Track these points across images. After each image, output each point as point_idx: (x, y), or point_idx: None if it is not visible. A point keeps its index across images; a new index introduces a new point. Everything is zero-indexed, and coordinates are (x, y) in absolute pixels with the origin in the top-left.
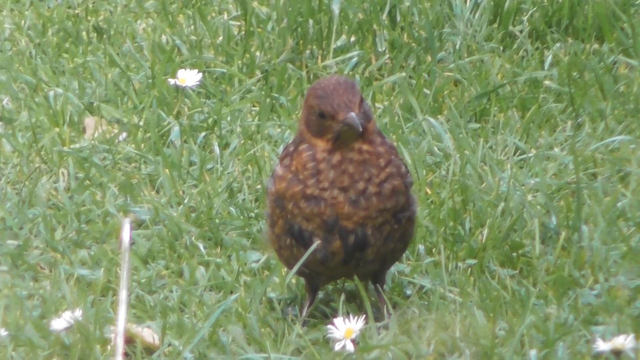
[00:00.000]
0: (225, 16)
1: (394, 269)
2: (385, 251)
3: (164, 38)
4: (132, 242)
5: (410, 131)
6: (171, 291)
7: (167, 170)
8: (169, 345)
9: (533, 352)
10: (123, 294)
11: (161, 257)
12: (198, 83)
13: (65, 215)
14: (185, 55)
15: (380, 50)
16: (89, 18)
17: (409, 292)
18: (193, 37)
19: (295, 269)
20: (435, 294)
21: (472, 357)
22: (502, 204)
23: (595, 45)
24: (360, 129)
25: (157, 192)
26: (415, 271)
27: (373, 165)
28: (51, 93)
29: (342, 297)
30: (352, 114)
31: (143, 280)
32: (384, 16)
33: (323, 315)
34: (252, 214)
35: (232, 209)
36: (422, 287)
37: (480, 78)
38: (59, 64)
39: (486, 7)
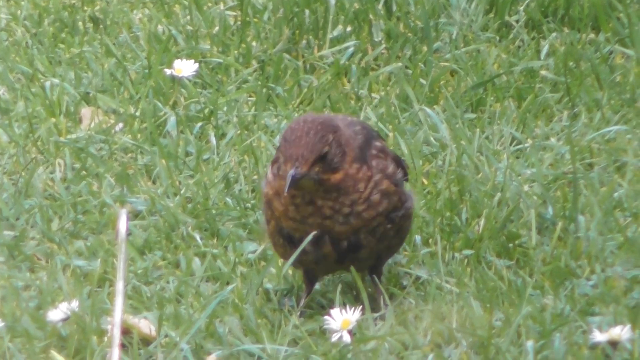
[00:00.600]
0: (222, 6)
1: (390, 260)
2: (380, 249)
3: (160, 28)
4: (129, 233)
5: (407, 121)
6: (168, 282)
7: (163, 161)
8: (166, 336)
9: (529, 343)
10: (119, 285)
11: (158, 247)
12: (194, 73)
13: (61, 205)
14: (182, 46)
15: (376, 40)
16: (85, 8)
17: (405, 282)
18: (189, 27)
19: (289, 262)
20: (432, 285)
21: (468, 347)
22: (499, 194)
23: (592, 35)
24: (286, 193)
25: (154, 182)
26: (412, 262)
27: (352, 192)
28: (47, 83)
29: (339, 288)
30: (291, 172)
31: (139, 271)
32: (380, 6)
33: (320, 306)
34: (249, 205)
35: (228, 199)
36: (418, 277)
37: (477, 68)
38: (55, 54)
39: None
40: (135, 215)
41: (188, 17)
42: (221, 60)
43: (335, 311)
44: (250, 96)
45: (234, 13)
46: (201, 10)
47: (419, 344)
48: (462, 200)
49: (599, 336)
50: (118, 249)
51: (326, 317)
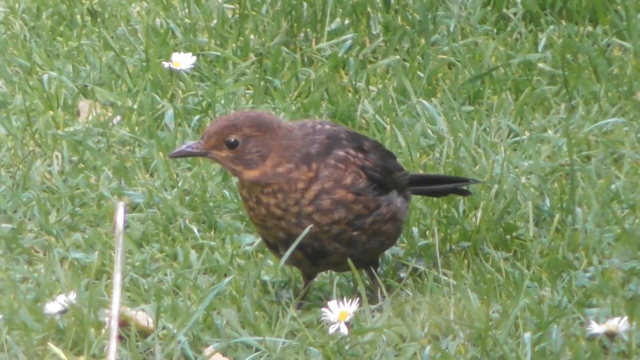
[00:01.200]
0: None
1: (388, 252)
2: (357, 252)
3: (158, 21)
4: (126, 226)
5: (404, 114)
6: (165, 274)
7: (161, 154)
8: (163, 328)
9: (527, 335)
10: (117, 277)
11: (155, 240)
12: (192, 66)
13: (59, 198)
14: (180, 39)
15: (374, 33)
16: (83, 1)
17: (402, 274)
18: (187, 20)
19: (284, 258)
20: (429, 277)
21: (466, 339)
22: (496, 186)
23: (589, 28)
24: (171, 156)
25: (151, 175)
26: (409, 254)
27: (292, 191)
28: (45, 76)
29: (336, 280)
30: (188, 144)
31: (137, 264)
32: None
33: (317, 299)
34: None
35: (226, 192)
36: (415, 269)
37: (474, 61)
38: (53, 47)
39: None
40: (132, 207)
41: (186, 10)
42: (219, 53)
43: (332, 303)
44: (248, 89)
45: (232, 6)
46: (199, 3)
47: (417, 336)
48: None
49: (596, 328)
50: (116, 241)
51: (323, 309)
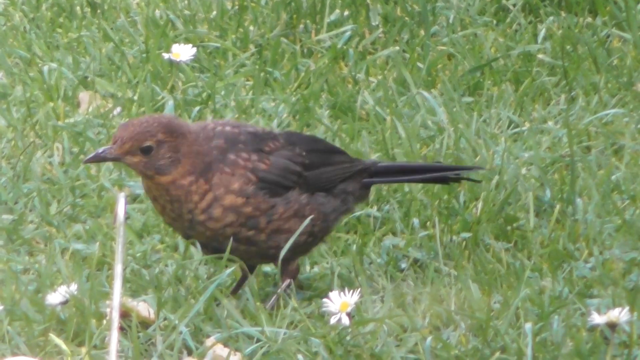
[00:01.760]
0: None
1: (388, 242)
2: (259, 249)
3: (157, 12)
4: (127, 216)
5: (404, 105)
6: (166, 265)
7: None
8: (165, 319)
9: (528, 325)
10: (118, 268)
11: (156, 231)
12: (192, 57)
13: (60, 189)
14: (180, 30)
15: (373, 24)
16: None
17: (403, 265)
18: (187, 12)
19: (285, 249)
20: (430, 268)
21: (467, 330)
22: (496, 177)
23: (589, 19)
24: (83, 164)
25: None
26: (410, 244)
27: (187, 202)
28: (45, 68)
29: (337, 270)
30: (103, 149)
31: (138, 255)
32: None
33: (318, 289)
34: None
35: None
36: (416, 260)
37: (474, 52)
38: (53, 38)
39: None
40: (133, 198)
41: (186, 2)
42: (219, 45)
43: (333, 294)
44: (248, 80)
45: None
46: None
47: (418, 327)
48: (460, 183)
49: (597, 318)
50: (116, 232)
51: (325, 299)
